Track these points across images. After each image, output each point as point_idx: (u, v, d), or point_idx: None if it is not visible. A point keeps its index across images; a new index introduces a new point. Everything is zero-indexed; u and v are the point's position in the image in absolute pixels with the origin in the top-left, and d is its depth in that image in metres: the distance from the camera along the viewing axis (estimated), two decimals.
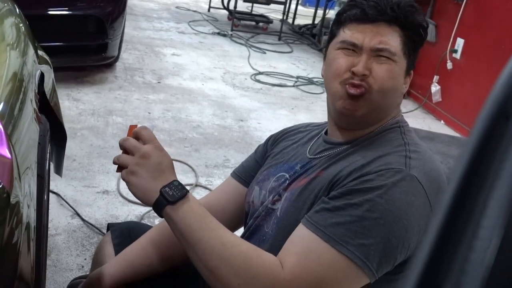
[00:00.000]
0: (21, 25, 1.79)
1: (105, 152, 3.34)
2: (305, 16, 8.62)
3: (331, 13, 7.13)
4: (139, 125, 1.24)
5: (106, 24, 4.24)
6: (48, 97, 1.83)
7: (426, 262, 0.32)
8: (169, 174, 1.17)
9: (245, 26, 7.67)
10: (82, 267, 2.30)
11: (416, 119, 4.96)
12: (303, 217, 1.15)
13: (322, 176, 1.21)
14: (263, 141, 1.57)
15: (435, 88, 5.10)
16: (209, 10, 8.48)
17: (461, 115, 4.78)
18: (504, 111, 0.33)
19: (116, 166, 1.22)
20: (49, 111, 1.86)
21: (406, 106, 5.24)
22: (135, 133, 1.20)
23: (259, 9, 8.69)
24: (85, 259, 2.35)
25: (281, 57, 6.48)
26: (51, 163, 1.97)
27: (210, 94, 4.80)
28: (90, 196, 2.84)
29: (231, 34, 7.11)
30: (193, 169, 3.32)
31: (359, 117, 1.21)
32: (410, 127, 1.30)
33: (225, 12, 8.19)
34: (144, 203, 1.18)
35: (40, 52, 1.90)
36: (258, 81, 5.40)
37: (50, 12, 4.07)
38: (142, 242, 1.42)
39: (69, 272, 2.26)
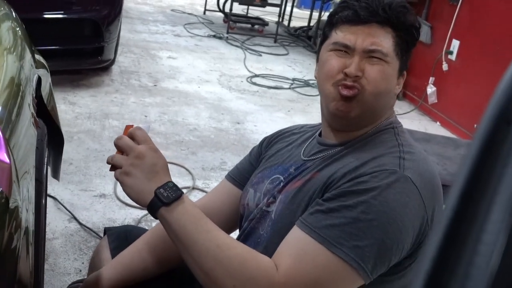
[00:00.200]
0: (18, 29, 1.79)
1: (102, 155, 3.34)
2: (300, 18, 8.62)
3: (327, 15, 7.13)
4: (135, 126, 1.24)
5: (102, 27, 4.24)
6: (45, 101, 1.83)
7: (431, 267, 0.33)
8: (163, 175, 1.16)
9: (240, 29, 7.68)
10: (80, 271, 2.30)
11: (412, 120, 4.97)
12: (297, 219, 1.15)
13: (316, 178, 1.21)
14: None
15: (430, 89, 5.11)
16: (204, 13, 8.48)
17: (456, 116, 4.80)
18: (505, 117, 0.34)
19: (110, 165, 1.21)
20: (46, 115, 1.86)
21: (402, 107, 5.25)
22: (130, 133, 1.20)
23: (254, 11, 8.69)
24: (83, 263, 2.35)
25: (277, 60, 6.49)
26: (48, 167, 1.97)
27: (206, 97, 4.80)
28: (87, 199, 2.84)
29: (227, 37, 7.12)
30: (190, 172, 3.32)
31: (353, 118, 1.22)
32: (404, 128, 1.30)
33: (221, 14, 8.19)
34: (138, 204, 1.18)
35: (37, 56, 1.90)
36: (254, 83, 5.40)
37: (45, 16, 4.07)
38: (138, 245, 1.42)
39: (67, 276, 2.26)
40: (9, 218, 1.00)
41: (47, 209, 2.34)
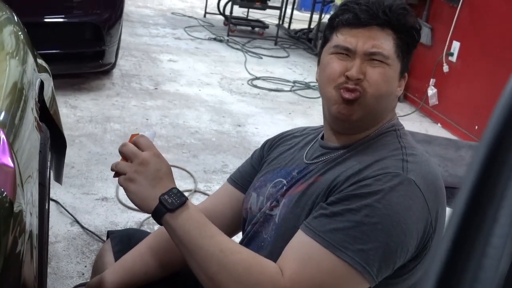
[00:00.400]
0: (20, 33, 1.80)
1: (104, 159, 3.34)
2: (300, 20, 8.63)
3: (327, 18, 7.14)
4: (140, 134, 1.24)
5: (103, 31, 4.24)
6: (47, 105, 1.84)
7: (440, 270, 0.33)
8: (167, 182, 1.17)
9: (241, 31, 7.68)
10: (83, 274, 2.30)
11: (413, 122, 4.97)
12: (301, 223, 1.15)
13: (319, 182, 1.21)
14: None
15: (431, 91, 5.11)
16: (205, 16, 8.49)
17: (457, 118, 4.80)
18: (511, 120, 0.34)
19: (113, 172, 1.22)
20: (48, 119, 1.87)
21: (403, 109, 5.25)
22: (134, 141, 1.20)
23: (255, 14, 8.70)
24: (85, 266, 2.35)
25: (278, 62, 6.49)
26: (51, 171, 1.97)
27: (207, 99, 4.80)
28: (89, 203, 2.84)
29: (227, 40, 7.12)
30: (191, 175, 3.32)
31: (355, 121, 1.22)
32: (406, 130, 1.30)
33: (221, 17, 8.20)
34: (143, 210, 1.18)
35: (39, 60, 1.90)
36: (255, 86, 5.40)
37: (46, 20, 4.07)
38: (140, 249, 1.42)
39: (70, 279, 2.26)
40: (14, 222, 1.00)
41: (50, 213, 2.34)
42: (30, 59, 1.69)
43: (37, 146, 1.39)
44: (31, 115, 1.38)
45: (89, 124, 3.86)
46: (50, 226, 2.44)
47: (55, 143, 1.98)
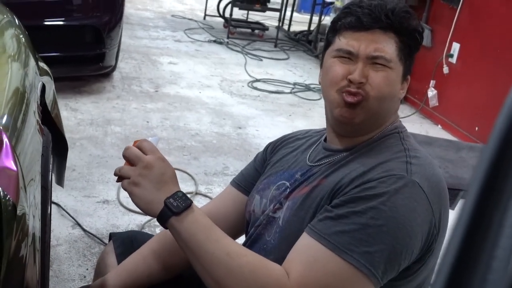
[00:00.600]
0: (21, 36, 1.80)
1: (104, 161, 3.34)
2: (300, 22, 8.63)
3: (327, 19, 7.15)
4: (143, 139, 1.24)
5: (103, 33, 4.24)
6: (49, 108, 1.84)
7: (449, 272, 0.33)
8: (172, 185, 1.17)
9: (241, 34, 7.69)
10: (84, 277, 2.30)
11: (413, 124, 4.97)
12: (306, 226, 1.15)
13: (323, 184, 1.21)
14: (261, 148, 1.57)
15: (431, 92, 5.12)
16: (204, 18, 8.49)
17: (458, 119, 4.80)
18: None
19: (117, 177, 1.21)
20: (50, 122, 1.87)
21: (403, 111, 5.25)
22: (137, 145, 1.20)
23: (254, 16, 8.70)
24: (87, 269, 2.35)
25: (278, 64, 6.50)
26: (52, 174, 1.97)
27: (207, 102, 4.80)
28: (90, 206, 2.84)
29: (227, 42, 7.13)
30: (192, 177, 3.32)
31: (357, 124, 1.22)
32: (409, 132, 1.31)
33: (221, 19, 8.20)
34: (148, 214, 1.18)
35: (41, 64, 1.90)
36: (255, 88, 5.41)
37: (46, 23, 4.08)
38: (143, 251, 1.42)
39: (71, 282, 2.26)
40: (17, 225, 1.00)
41: (51, 216, 2.34)
42: (32, 62, 1.69)
43: (40, 149, 1.39)
44: (33, 118, 1.38)
45: (90, 127, 3.87)
46: (51, 229, 2.44)
47: (56, 146, 1.98)
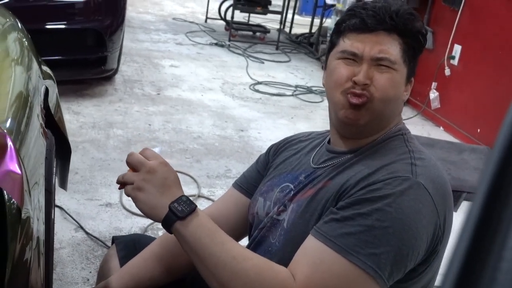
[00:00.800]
0: (24, 39, 1.80)
1: (107, 164, 3.35)
2: (302, 25, 8.63)
3: (328, 22, 7.15)
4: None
5: (105, 37, 4.25)
6: (52, 111, 1.84)
7: (457, 273, 0.33)
8: (176, 189, 1.17)
9: (242, 36, 7.70)
10: (88, 280, 2.30)
11: (415, 125, 4.97)
12: (311, 228, 1.15)
13: (328, 187, 1.21)
14: (263, 150, 1.57)
15: (433, 94, 5.12)
16: (206, 21, 8.50)
17: (460, 121, 4.80)
18: None
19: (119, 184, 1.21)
20: (53, 126, 1.87)
21: (405, 113, 5.25)
22: (140, 153, 1.21)
23: (256, 19, 8.71)
24: (90, 272, 2.35)
25: (279, 67, 6.50)
26: (55, 177, 1.98)
27: (209, 104, 4.81)
28: (93, 209, 2.85)
29: (229, 45, 7.13)
30: (195, 180, 3.32)
31: (362, 126, 1.22)
32: (412, 134, 1.31)
33: (222, 22, 8.21)
34: (152, 219, 1.18)
35: (44, 67, 1.91)
36: (257, 91, 5.41)
37: (48, 26, 4.08)
38: (145, 255, 1.42)
39: (75, 285, 2.26)
40: (21, 228, 1.00)
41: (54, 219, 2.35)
42: (35, 65, 1.69)
43: (43, 153, 1.40)
44: (37, 121, 1.39)
45: (92, 130, 3.87)
46: (54, 232, 2.44)
47: (60, 149, 1.98)
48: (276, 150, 1.49)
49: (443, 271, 0.36)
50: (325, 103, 5.40)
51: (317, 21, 7.53)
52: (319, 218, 1.17)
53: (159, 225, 2.73)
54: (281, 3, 7.89)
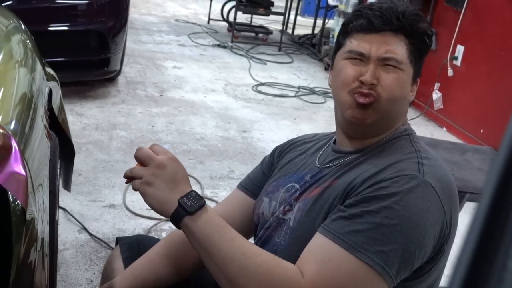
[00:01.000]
0: (28, 41, 1.81)
1: (110, 166, 3.35)
2: (304, 26, 8.64)
3: (330, 23, 7.15)
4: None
5: (108, 38, 4.26)
6: (56, 113, 1.84)
7: (465, 273, 0.33)
8: (185, 185, 1.17)
9: (245, 38, 7.70)
10: (91, 281, 2.30)
11: (418, 126, 4.97)
12: (317, 226, 1.15)
13: (335, 185, 1.22)
14: (266, 151, 1.57)
15: (436, 95, 5.11)
16: (208, 22, 8.51)
17: (462, 121, 4.79)
18: None
19: (126, 179, 1.21)
20: (57, 127, 1.87)
21: (408, 113, 5.20)
22: (149, 148, 1.21)
23: (258, 20, 8.72)
24: (94, 273, 2.35)
25: (282, 68, 6.50)
26: (59, 178, 1.98)
27: (212, 106, 4.81)
28: (96, 210, 2.85)
29: (231, 46, 7.14)
30: (198, 181, 3.32)
31: (368, 125, 1.23)
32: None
33: (225, 24, 8.22)
34: (161, 214, 1.18)
35: (47, 69, 1.91)
36: (260, 92, 5.41)
37: (52, 28, 4.09)
38: (150, 256, 1.42)
39: (78, 287, 2.27)
40: (26, 230, 1.01)
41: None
42: (39, 67, 1.70)
43: (47, 154, 1.40)
44: (41, 123, 1.39)
45: (95, 131, 3.87)
46: (58, 233, 2.45)
47: (63, 150, 1.99)
48: (281, 151, 1.50)
49: (450, 272, 0.36)
50: (328, 104, 5.43)
51: (319, 22, 7.54)
52: (326, 217, 1.17)
53: (163, 226, 2.75)
54: (283, 4, 7.90)
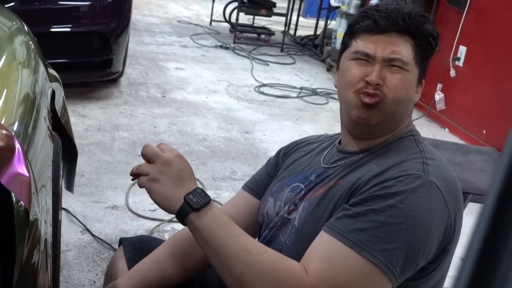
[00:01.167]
0: (31, 43, 1.81)
1: (113, 167, 3.35)
2: (306, 27, 8.64)
3: (333, 24, 7.15)
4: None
5: (111, 40, 4.26)
6: (59, 114, 1.85)
7: (470, 273, 0.33)
8: (191, 182, 1.18)
9: (247, 39, 7.71)
10: (94, 282, 2.30)
11: (421, 127, 4.96)
12: (322, 225, 1.16)
13: (340, 185, 1.22)
14: (269, 152, 1.58)
15: (438, 96, 5.11)
16: (210, 23, 8.51)
17: (465, 122, 4.79)
18: None
19: (131, 177, 1.22)
20: (60, 128, 1.88)
21: None
22: (156, 147, 1.22)
23: (260, 21, 8.72)
24: (97, 274, 2.36)
25: (284, 69, 6.50)
26: (62, 179, 1.98)
27: (214, 107, 4.81)
28: (99, 211, 2.85)
29: (234, 47, 7.14)
30: (200, 183, 3.32)
31: (374, 125, 1.23)
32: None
33: (227, 25, 8.23)
34: (166, 210, 1.18)
35: (50, 70, 1.91)
36: (262, 93, 5.41)
37: (54, 29, 4.10)
38: (155, 256, 1.42)
39: (81, 287, 2.27)
40: (29, 231, 1.01)
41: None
42: (42, 68, 1.70)
43: (50, 155, 1.40)
44: (43, 124, 1.39)
45: (98, 132, 3.88)
46: (61, 234, 2.45)
47: (66, 152, 1.99)
48: (286, 152, 1.50)
49: (454, 273, 0.36)
50: (330, 105, 5.44)
51: (321, 23, 7.53)
52: (331, 216, 1.17)
53: (165, 228, 2.76)
54: (285, 5, 7.89)
